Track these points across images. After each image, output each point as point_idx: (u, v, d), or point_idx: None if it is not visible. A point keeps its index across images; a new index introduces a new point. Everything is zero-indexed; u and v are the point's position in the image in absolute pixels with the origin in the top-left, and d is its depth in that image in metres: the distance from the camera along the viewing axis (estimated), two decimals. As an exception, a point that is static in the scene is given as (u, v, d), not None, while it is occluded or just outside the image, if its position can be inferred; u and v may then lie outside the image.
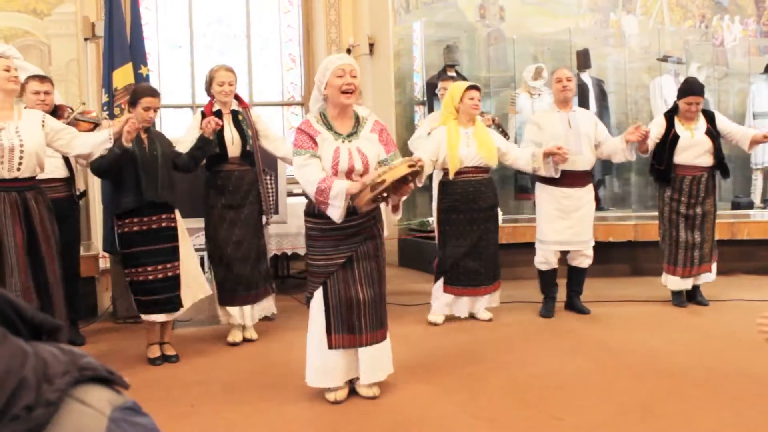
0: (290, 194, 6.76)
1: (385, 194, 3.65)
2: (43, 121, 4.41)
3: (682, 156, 5.70)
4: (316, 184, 3.63)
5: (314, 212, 3.83)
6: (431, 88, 7.81)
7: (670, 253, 5.83)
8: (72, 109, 5.43)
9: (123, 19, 6.19)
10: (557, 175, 5.52)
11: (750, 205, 8.42)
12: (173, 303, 4.74)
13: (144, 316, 4.73)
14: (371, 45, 8.38)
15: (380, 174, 3.55)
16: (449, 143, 5.30)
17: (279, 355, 4.88)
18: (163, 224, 4.71)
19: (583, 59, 8.46)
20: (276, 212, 5.89)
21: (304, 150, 3.74)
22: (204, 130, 4.84)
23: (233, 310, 5.18)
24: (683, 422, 3.51)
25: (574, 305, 5.81)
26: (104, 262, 6.32)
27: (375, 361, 3.92)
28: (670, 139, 5.71)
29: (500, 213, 7.27)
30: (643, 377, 4.15)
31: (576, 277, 5.82)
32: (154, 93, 4.75)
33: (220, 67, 5.24)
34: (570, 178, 5.60)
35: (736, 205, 8.37)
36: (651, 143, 5.72)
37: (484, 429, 3.51)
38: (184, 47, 8.70)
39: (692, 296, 5.96)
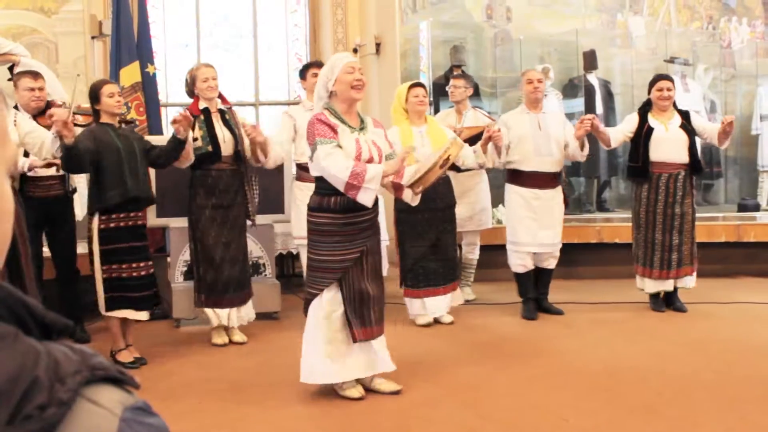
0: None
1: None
2: (15, 121, 4.45)
3: (657, 152, 5.63)
4: (351, 169, 3.65)
5: (329, 207, 3.82)
6: (438, 88, 7.80)
7: (645, 255, 5.75)
8: (64, 104, 5.42)
9: (130, 17, 6.21)
10: (504, 160, 5.49)
11: (756, 208, 8.39)
12: (153, 300, 4.69)
13: (120, 313, 4.59)
14: (378, 45, 8.37)
15: (445, 151, 3.68)
16: (403, 144, 5.26)
17: (285, 353, 4.88)
18: (140, 222, 4.66)
19: (590, 60, 8.45)
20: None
21: (328, 139, 3.74)
22: (175, 129, 4.64)
23: (222, 312, 5.09)
24: (689, 424, 3.50)
25: (546, 308, 5.76)
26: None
27: (384, 353, 3.97)
28: (644, 133, 5.66)
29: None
30: (648, 379, 4.14)
31: (545, 278, 5.77)
32: (111, 81, 4.81)
33: (201, 65, 5.20)
34: (539, 179, 5.57)
35: (742, 207, 8.35)
36: (620, 137, 5.70)
37: (490, 429, 3.51)
38: (191, 46, 8.70)
39: (670, 301, 5.85)
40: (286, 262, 7.37)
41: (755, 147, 8.93)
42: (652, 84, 5.80)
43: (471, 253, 6.43)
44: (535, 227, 5.60)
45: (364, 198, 3.69)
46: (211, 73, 5.07)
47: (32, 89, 5.06)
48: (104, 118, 4.60)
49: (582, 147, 5.56)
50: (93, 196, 4.58)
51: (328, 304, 3.84)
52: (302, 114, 5.47)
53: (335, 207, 3.81)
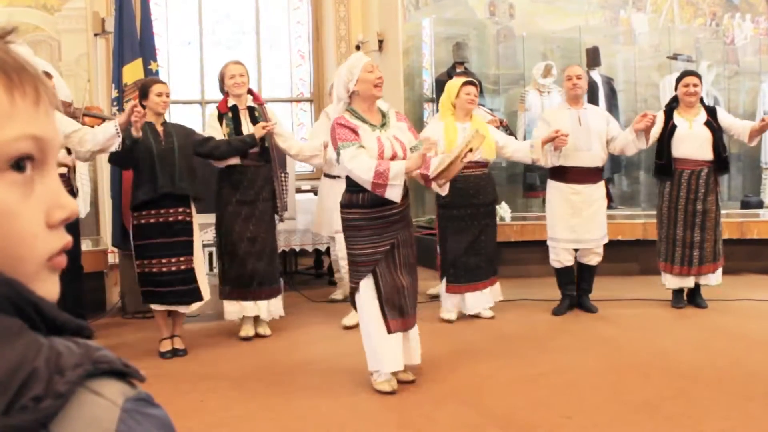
0: (299, 190, 6.77)
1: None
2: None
3: (680, 148, 5.63)
4: (374, 168, 3.77)
5: (358, 203, 3.95)
6: (440, 85, 7.78)
7: (666, 250, 5.75)
8: (73, 104, 5.44)
9: (133, 14, 6.21)
10: (558, 162, 5.51)
11: (759, 205, 8.37)
12: (191, 295, 4.77)
13: (156, 306, 4.77)
14: (380, 42, 8.37)
15: (467, 143, 3.82)
16: (447, 139, 5.29)
17: (287, 350, 4.89)
18: (179, 218, 4.73)
19: (593, 57, 8.43)
20: (285, 209, 5.86)
21: (350, 142, 3.86)
22: (257, 132, 4.95)
23: (247, 303, 5.16)
24: (693, 422, 3.50)
25: (582, 303, 5.79)
26: (113, 257, 6.32)
27: (417, 343, 4.14)
28: (668, 131, 5.66)
29: (509, 210, 7.29)
30: (652, 376, 4.14)
31: (585, 274, 5.80)
32: (161, 81, 4.93)
33: (230, 62, 5.28)
34: (579, 175, 5.58)
35: (745, 204, 8.32)
36: (652, 139, 5.69)
37: (493, 427, 3.51)
38: (194, 43, 8.70)
39: (692, 298, 5.87)
40: (288, 259, 7.37)
41: (759, 144, 8.89)
42: (678, 80, 5.79)
43: None
44: (574, 223, 5.61)
45: (392, 194, 3.81)
46: (238, 70, 5.15)
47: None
48: (148, 116, 4.72)
49: (639, 138, 5.48)
50: (131, 194, 4.78)
51: (365, 296, 3.97)
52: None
53: (364, 202, 3.93)
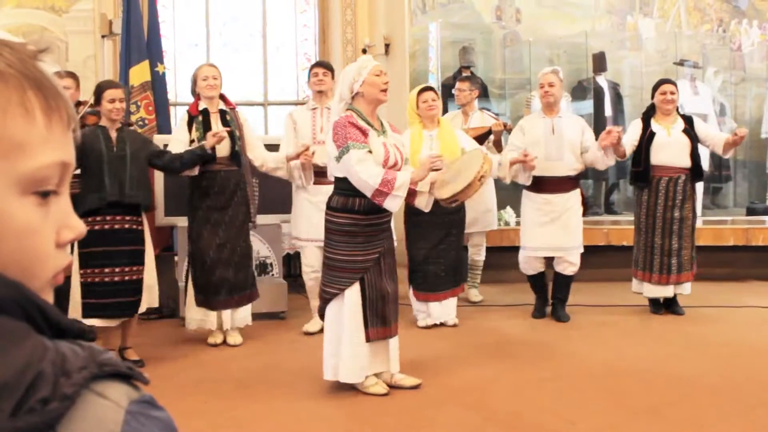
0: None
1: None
2: None
3: (659, 156, 5.63)
4: (381, 176, 3.71)
5: (354, 208, 3.86)
6: (447, 89, 7.80)
7: (645, 259, 5.74)
8: (93, 104, 5.46)
9: (140, 16, 6.24)
10: (528, 183, 5.51)
11: (766, 211, 8.36)
12: (128, 308, 4.57)
13: (88, 321, 4.37)
14: (387, 45, 8.38)
15: (481, 165, 3.86)
16: (411, 147, 5.24)
17: (291, 352, 4.90)
18: (126, 226, 4.54)
19: (599, 62, 8.44)
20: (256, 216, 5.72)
21: (360, 144, 3.78)
22: (207, 142, 4.76)
23: (211, 313, 5.05)
24: (696, 428, 3.49)
25: (555, 312, 5.71)
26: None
27: (396, 351, 4.10)
28: (646, 138, 5.65)
29: (513, 215, 7.29)
30: (655, 382, 4.13)
31: (559, 283, 5.72)
32: (116, 85, 4.70)
33: (203, 64, 5.23)
34: (551, 184, 5.54)
35: (751, 211, 8.32)
36: (628, 146, 5.67)
37: (494, 431, 3.51)
38: (201, 46, 8.72)
39: (669, 305, 5.84)
40: (293, 262, 7.38)
41: (765, 150, 8.91)
42: (655, 88, 5.80)
43: (477, 254, 6.43)
44: (546, 231, 5.57)
45: (391, 204, 3.77)
46: (211, 72, 5.06)
47: (67, 88, 5.07)
48: (103, 121, 4.60)
49: (607, 154, 5.47)
50: (77, 199, 4.53)
51: (350, 304, 3.89)
52: (303, 114, 5.50)
53: (359, 208, 3.86)
